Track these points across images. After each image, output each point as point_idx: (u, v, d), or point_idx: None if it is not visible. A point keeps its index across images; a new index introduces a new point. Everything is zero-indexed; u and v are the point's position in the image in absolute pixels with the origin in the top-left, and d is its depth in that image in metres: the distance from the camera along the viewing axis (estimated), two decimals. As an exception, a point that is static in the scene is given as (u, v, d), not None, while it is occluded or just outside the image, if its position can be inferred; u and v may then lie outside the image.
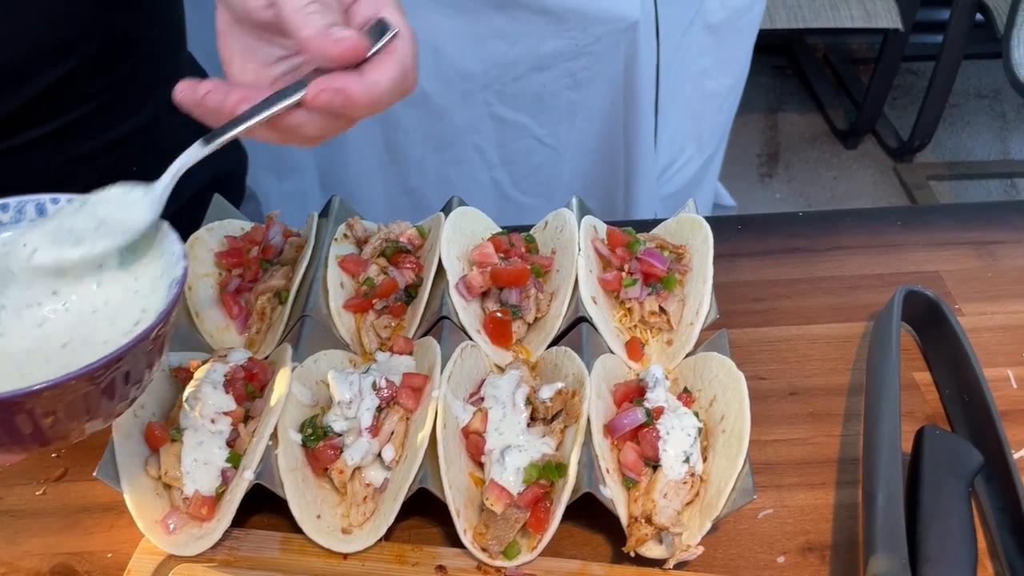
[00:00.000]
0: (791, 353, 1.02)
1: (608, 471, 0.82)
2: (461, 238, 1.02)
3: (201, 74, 1.24)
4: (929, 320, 1.00)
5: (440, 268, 0.98)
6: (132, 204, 0.68)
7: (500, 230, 1.08)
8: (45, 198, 0.70)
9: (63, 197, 0.70)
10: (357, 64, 0.66)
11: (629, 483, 0.83)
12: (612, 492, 0.81)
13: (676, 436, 0.83)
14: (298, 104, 0.66)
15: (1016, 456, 0.89)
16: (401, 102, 2.02)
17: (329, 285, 0.99)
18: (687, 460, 0.82)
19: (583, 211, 1.07)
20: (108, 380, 0.59)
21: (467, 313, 0.96)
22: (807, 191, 3.38)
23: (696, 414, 0.86)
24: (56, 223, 0.67)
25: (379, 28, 0.68)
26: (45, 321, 0.65)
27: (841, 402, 0.97)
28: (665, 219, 1.10)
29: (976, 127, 3.63)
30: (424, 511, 0.85)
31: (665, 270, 0.98)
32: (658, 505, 0.81)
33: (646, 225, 1.10)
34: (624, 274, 0.99)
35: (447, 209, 1.07)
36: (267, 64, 0.72)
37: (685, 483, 0.82)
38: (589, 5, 1.80)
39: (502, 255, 1.01)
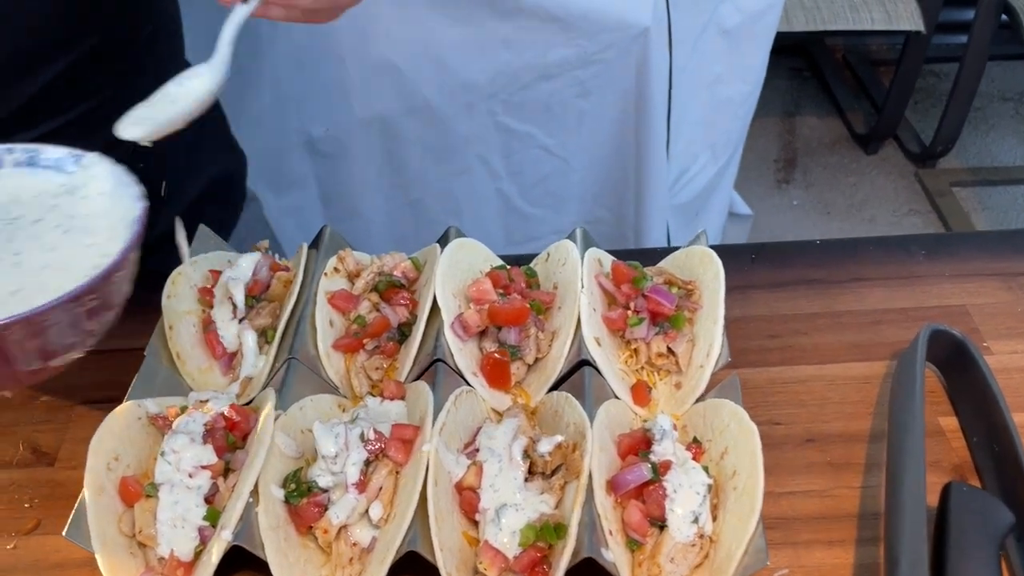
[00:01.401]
0: (808, 396, 0.97)
1: (611, 532, 0.78)
2: (457, 273, 0.98)
3: None
4: (955, 361, 0.95)
5: (435, 305, 0.94)
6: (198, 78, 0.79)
7: (500, 263, 1.03)
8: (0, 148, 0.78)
9: None
10: None
11: (634, 545, 0.79)
12: (615, 555, 0.77)
13: (684, 494, 0.79)
14: None
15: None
16: (402, 112, 1.99)
17: (318, 324, 0.95)
18: (696, 520, 0.78)
19: (587, 243, 1.03)
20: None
21: (463, 354, 0.92)
22: (826, 197, 3.33)
23: (706, 468, 0.82)
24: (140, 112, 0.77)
25: None
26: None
27: (862, 450, 0.92)
28: (677, 247, 1.06)
29: (1001, 131, 3.57)
30: (415, 570, 0.81)
31: (673, 308, 0.94)
32: (664, 570, 0.77)
33: (654, 256, 1.06)
34: (630, 312, 0.95)
35: (444, 240, 1.03)
36: None
37: (694, 545, 0.78)
38: (598, 12, 1.76)
39: (501, 291, 0.97)
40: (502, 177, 2.05)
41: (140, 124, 0.77)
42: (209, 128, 1.26)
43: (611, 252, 1.04)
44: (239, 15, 0.77)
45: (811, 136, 3.60)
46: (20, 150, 0.77)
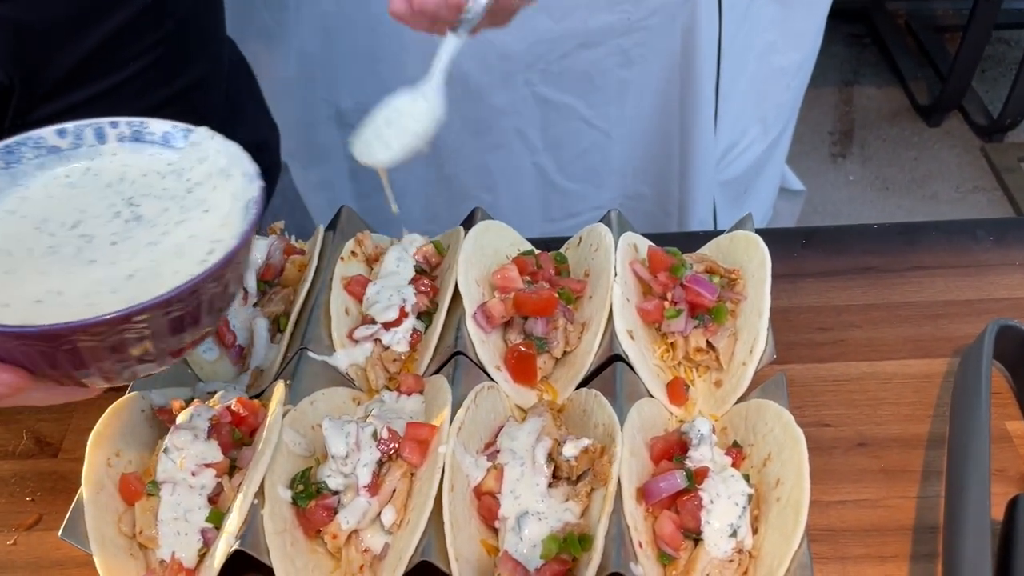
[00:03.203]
0: (861, 395, 0.92)
1: (641, 545, 0.74)
2: (482, 259, 0.94)
3: (239, 55, 1.25)
4: (1026, 360, 0.89)
5: (457, 294, 0.90)
6: (415, 104, 0.81)
7: (528, 247, 0.99)
8: (104, 121, 0.72)
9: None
10: None
11: (666, 559, 0.75)
12: (645, 570, 0.73)
13: (722, 505, 0.74)
14: None
15: None
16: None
17: (332, 311, 0.91)
18: (734, 534, 0.74)
19: (622, 226, 0.98)
20: (180, 312, 0.59)
21: (486, 347, 0.88)
22: (884, 173, 3.22)
23: (746, 477, 0.77)
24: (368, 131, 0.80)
25: None
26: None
27: (919, 456, 0.87)
28: (721, 231, 1.00)
29: (1076, 102, 3.42)
30: (430, 580, 0.77)
31: (714, 300, 0.89)
32: (698, 587, 0.72)
33: (697, 240, 1.01)
34: (667, 304, 0.90)
35: (469, 222, 0.98)
36: None
37: (731, 561, 0.74)
38: (643, -25, 1.70)
39: (528, 278, 0.92)
40: (540, 151, 2.01)
41: (382, 151, 0.80)
42: (245, 94, 1.25)
43: (651, 235, 1.00)
44: (452, 45, 0.79)
45: (869, 107, 3.48)
46: (124, 123, 0.72)
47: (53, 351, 0.56)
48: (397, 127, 0.80)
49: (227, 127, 1.14)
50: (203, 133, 0.72)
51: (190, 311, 0.60)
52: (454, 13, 0.76)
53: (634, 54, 1.82)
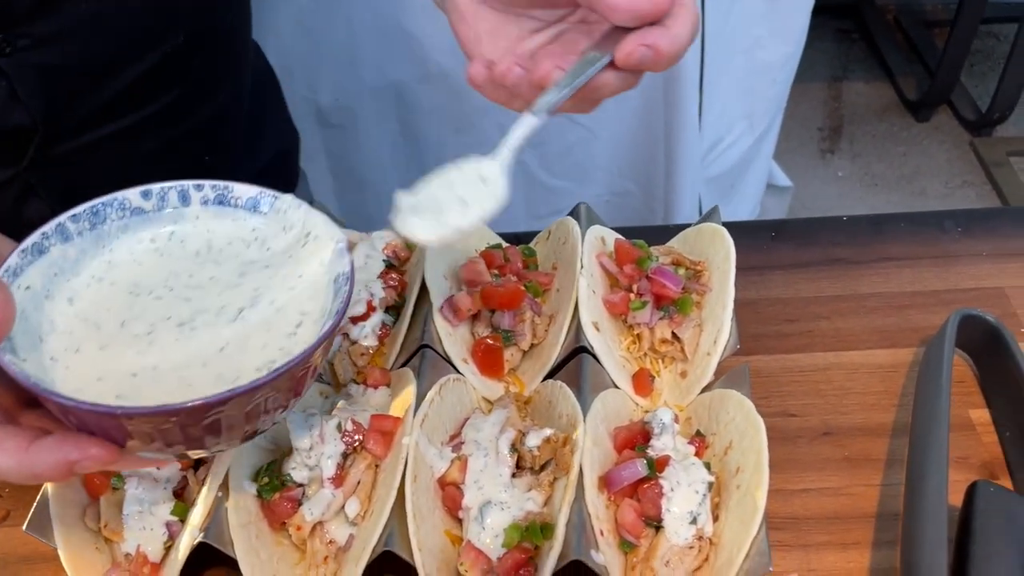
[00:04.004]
0: (827, 385, 0.93)
1: (602, 532, 0.75)
2: (450, 252, 0.96)
3: (264, 63, 1.26)
4: (988, 349, 0.91)
5: (425, 288, 0.92)
6: (484, 181, 0.70)
7: (497, 240, 1.00)
8: (188, 184, 0.71)
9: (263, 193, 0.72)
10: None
11: (627, 547, 0.76)
12: (606, 557, 0.74)
13: (682, 493, 0.76)
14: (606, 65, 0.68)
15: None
16: (416, 80, 1.94)
17: (300, 306, 0.93)
18: (694, 521, 0.75)
19: (591, 220, 0.99)
20: (266, 398, 0.59)
21: (453, 340, 0.90)
22: (873, 169, 3.24)
23: (707, 465, 0.79)
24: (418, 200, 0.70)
25: None
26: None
27: (883, 444, 0.88)
28: (687, 225, 1.02)
29: (1064, 96, 3.45)
30: (396, 571, 0.78)
31: (679, 291, 0.90)
32: (658, 574, 0.74)
33: (667, 233, 1.02)
34: (632, 295, 0.91)
35: (438, 217, 1.00)
36: (520, 39, 0.74)
37: (691, 548, 0.75)
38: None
39: (495, 271, 0.94)
40: (524, 149, 2.01)
41: (429, 228, 0.70)
42: (269, 105, 1.26)
43: (621, 229, 1.01)
44: (527, 125, 0.69)
45: (858, 102, 3.50)
46: (208, 187, 0.71)
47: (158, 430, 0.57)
48: (452, 204, 0.70)
49: (251, 143, 1.16)
50: (289, 201, 0.71)
51: (279, 392, 0.60)
52: (535, 92, 0.70)
53: (616, 50, 1.83)
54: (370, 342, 0.92)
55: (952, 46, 3.16)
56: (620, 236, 0.98)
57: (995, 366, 0.91)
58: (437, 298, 0.91)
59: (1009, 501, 0.77)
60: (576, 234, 0.94)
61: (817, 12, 2.04)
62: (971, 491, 0.78)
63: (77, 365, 0.61)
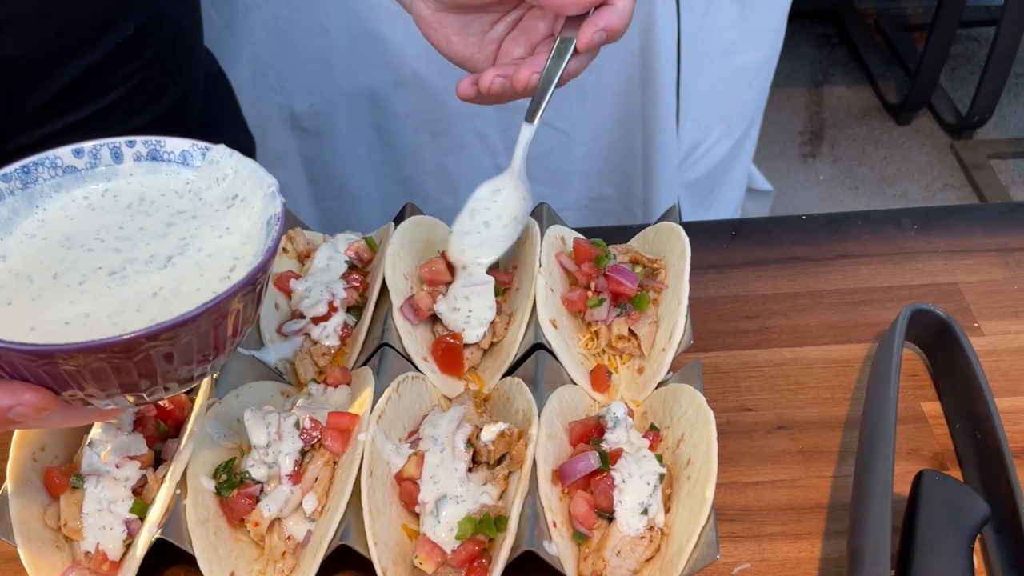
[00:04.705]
0: (782, 380, 0.96)
1: (555, 524, 0.77)
2: (411, 253, 0.98)
3: (217, 68, 1.28)
4: (940, 342, 0.93)
5: (385, 288, 0.94)
6: (502, 194, 0.90)
7: (459, 241, 1.02)
8: (120, 141, 0.73)
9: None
10: None
11: (580, 538, 0.78)
12: (559, 548, 0.76)
13: (634, 484, 0.78)
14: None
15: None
16: (391, 85, 1.94)
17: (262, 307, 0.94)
18: (645, 512, 0.77)
19: (551, 220, 1.01)
20: (207, 327, 0.60)
21: (412, 339, 0.91)
22: (854, 172, 3.28)
23: (660, 457, 0.81)
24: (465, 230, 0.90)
25: None
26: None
27: (836, 437, 0.91)
28: (647, 225, 1.04)
29: (1043, 99, 3.49)
30: (355, 565, 0.80)
31: (635, 288, 0.92)
32: (610, 565, 0.76)
33: (629, 232, 1.05)
34: (590, 293, 0.93)
35: (400, 218, 1.02)
36: (484, 32, 0.86)
37: (643, 538, 0.77)
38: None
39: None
40: (500, 152, 2.03)
41: (488, 249, 0.89)
42: (221, 105, 1.27)
43: (591, 230, 1.03)
44: (528, 134, 0.87)
45: (839, 106, 3.54)
46: (140, 142, 0.73)
47: (85, 369, 0.57)
48: (492, 221, 0.89)
49: (206, 139, 1.17)
50: (221, 151, 0.73)
51: (210, 330, 0.61)
52: (519, 94, 0.83)
53: (592, 56, 1.85)
54: (332, 342, 0.94)
55: (930, 49, 3.19)
56: (580, 235, 1.00)
57: (946, 359, 0.93)
58: (397, 298, 0.92)
59: (953, 489, 0.79)
60: (535, 234, 0.96)
61: (797, 17, 2.06)
62: (917, 480, 0.80)
63: (9, 317, 0.61)
